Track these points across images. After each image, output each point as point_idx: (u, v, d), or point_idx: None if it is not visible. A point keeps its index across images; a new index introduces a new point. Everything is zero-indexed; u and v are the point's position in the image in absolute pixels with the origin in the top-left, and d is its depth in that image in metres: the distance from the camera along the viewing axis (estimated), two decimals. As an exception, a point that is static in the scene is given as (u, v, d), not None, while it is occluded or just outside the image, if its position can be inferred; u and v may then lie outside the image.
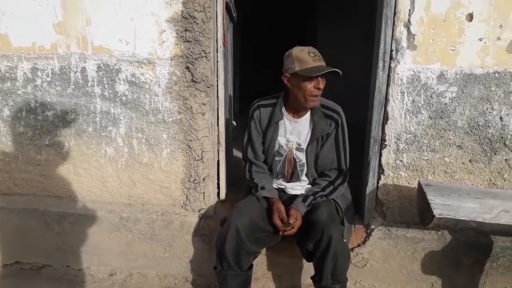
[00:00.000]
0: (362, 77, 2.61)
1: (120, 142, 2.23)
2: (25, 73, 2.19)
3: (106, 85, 2.16)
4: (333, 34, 4.35)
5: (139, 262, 2.26)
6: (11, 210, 2.29)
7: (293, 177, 2.03)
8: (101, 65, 2.14)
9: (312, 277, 1.88)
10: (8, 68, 2.19)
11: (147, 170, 2.25)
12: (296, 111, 1.95)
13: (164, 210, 2.24)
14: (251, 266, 1.91)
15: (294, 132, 1.98)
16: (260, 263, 2.14)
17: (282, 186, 2.07)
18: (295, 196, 1.97)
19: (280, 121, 1.97)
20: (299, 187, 2.04)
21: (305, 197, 1.91)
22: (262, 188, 1.96)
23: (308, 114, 1.96)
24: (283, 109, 1.97)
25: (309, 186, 2.02)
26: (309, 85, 1.79)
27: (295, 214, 1.81)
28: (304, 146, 1.97)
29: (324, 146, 1.96)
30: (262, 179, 2.01)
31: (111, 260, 2.27)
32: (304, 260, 2.15)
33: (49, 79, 2.18)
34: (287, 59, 1.86)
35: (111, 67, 2.14)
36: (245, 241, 1.78)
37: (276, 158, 2.02)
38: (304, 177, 2.03)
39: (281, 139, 1.99)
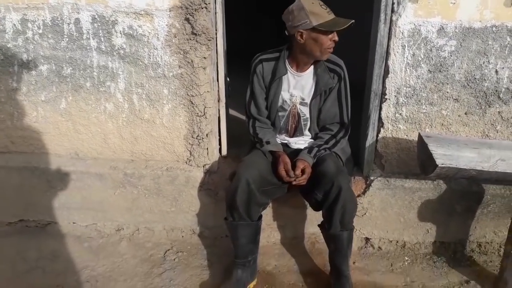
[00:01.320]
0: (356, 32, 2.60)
1: (119, 98, 2.18)
2: (14, 24, 2.06)
3: (102, 38, 2.08)
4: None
5: (145, 217, 2.30)
6: (10, 169, 2.25)
7: (296, 132, 2.06)
8: (96, 17, 2.04)
9: (320, 225, 1.97)
10: (-5, 19, 2.06)
11: (148, 126, 2.23)
12: (301, 64, 1.95)
13: (169, 166, 2.26)
14: (261, 216, 1.98)
15: (297, 87, 1.98)
16: (264, 214, 2.19)
17: (285, 141, 2.10)
18: (299, 150, 2.02)
19: (283, 76, 1.96)
20: (302, 142, 2.08)
21: (309, 149, 1.96)
22: (268, 142, 1.99)
23: (311, 68, 1.96)
24: (287, 63, 1.96)
25: (312, 140, 2.07)
26: (326, 39, 1.81)
27: (302, 165, 1.87)
28: (308, 100, 1.99)
29: (327, 100, 1.98)
30: (266, 134, 2.04)
31: (117, 216, 2.30)
32: (306, 211, 2.26)
33: (40, 31, 2.07)
34: (298, 13, 1.79)
35: (107, 19, 2.04)
36: (255, 193, 1.83)
37: (280, 113, 2.03)
38: (307, 132, 2.06)
39: (284, 94, 2.00)
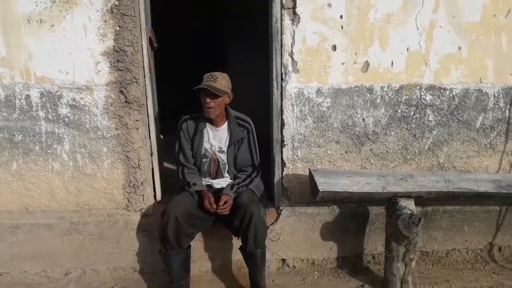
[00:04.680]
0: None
1: (65, 157, 2.58)
2: (-29, 103, 2.46)
3: (49, 109, 2.51)
4: (241, 58, 5.04)
5: (90, 260, 2.62)
6: (-38, 227, 2.51)
7: (217, 174, 2.56)
8: (44, 92, 2.48)
9: (239, 248, 2.42)
10: (-46, 99, 2.44)
11: (91, 180, 2.63)
12: (215, 121, 2.48)
13: (110, 213, 2.64)
14: (189, 246, 2.41)
15: (216, 138, 2.51)
16: (195, 247, 2.61)
17: (209, 183, 2.58)
18: (220, 189, 2.50)
19: (204, 130, 2.49)
20: (223, 182, 2.57)
21: (231, 186, 2.46)
22: (194, 184, 2.46)
23: (226, 124, 2.51)
24: (206, 120, 2.49)
25: (231, 181, 2.57)
26: (202, 99, 2.37)
27: (225, 198, 2.35)
28: (224, 149, 2.51)
29: (240, 148, 2.52)
30: (193, 177, 2.51)
31: (65, 261, 2.60)
32: (232, 241, 2.70)
33: (-5, 106, 2.48)
34: None
35: (53, 94, 2.49)
36: (182, 225, 2.27)
37: (203, 160, 2.53)
38: (226, 174, 2.57)
39: (206, 144, 2.52)
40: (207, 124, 2.50)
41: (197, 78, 2.48)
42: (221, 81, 2.37)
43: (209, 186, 2.57)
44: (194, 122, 2.51)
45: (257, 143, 2.57)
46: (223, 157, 2.53)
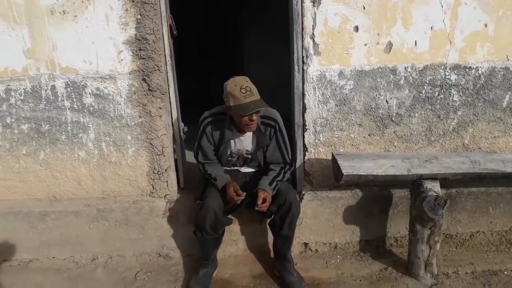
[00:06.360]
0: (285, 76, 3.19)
1: (90, 146, 2.63)
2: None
3: (74, 99, 2.55)
4: (257, 43, 5.01)
5: (117, 245, 2.67)
6: (-5, 215, 2.59)
7: (245, 164, 2.55)
8: (69, 82, 2.52)
9: (269, 224, 2.50)
10: (-17, 91, 2.50)
11: (116, 167, 2.67)
12: (240, 128, 2.29)
13: (135, 199, 2.68)
14: (224, 231, 2.47)
15: (242, 145, 2.43)
16: (219, 232, 2.64)
17: (236, 168, 2.56)
18: (248, 173, 2.53)
19: (230, 140, 2.37)
20: (250, 169, 2.57)
21: (270, 182, 2.34)
22: (215, 179, 2.37)
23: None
24: (233, 128, 2.32)
25: (258, 168, 2.53)
26: (244, 118, 2.15)
27: (264, 194, 2.24)
28: (251, 151, 2.45)
29: (268, 148, 2.41)
30: (214, 169, 2.42)
31: (92, 247, 2.66)
32: (255, 227, 2.73)
33: (22, 97, 2.52)
34: (225, 91, 2.18)
35: (78, 84, 2.53)
36: (220, 218, 2.31)
37: (229, 158, 2.47)
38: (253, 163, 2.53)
39: (232, 149, 2.44)
40: (233, 132, 2.34)
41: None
42: (255, 88, 2.16)
43: (236, 171, 2.56)
44: (219, 128, 2.34)
45: (286, 139, 2.43)
46: (251, 155, 2.48)
